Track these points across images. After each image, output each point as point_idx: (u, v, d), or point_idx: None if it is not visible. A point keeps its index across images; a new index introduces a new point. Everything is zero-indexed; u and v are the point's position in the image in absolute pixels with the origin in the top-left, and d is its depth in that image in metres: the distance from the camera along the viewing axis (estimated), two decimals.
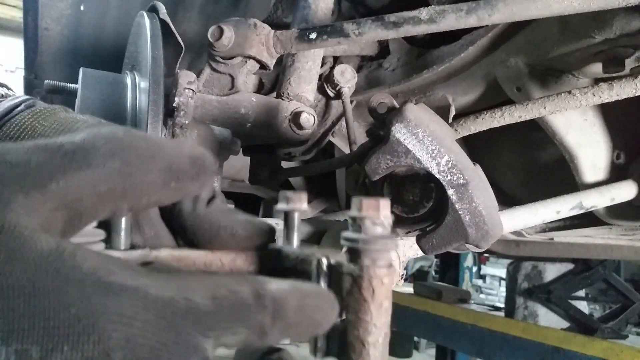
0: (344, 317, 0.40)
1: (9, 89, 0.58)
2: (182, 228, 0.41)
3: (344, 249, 0.39)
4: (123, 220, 0.38)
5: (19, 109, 0.49)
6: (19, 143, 0.31)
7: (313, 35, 0.79)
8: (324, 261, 0.40)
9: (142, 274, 0.29)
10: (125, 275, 0.27)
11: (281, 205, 0.44)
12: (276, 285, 0.31)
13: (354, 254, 0.37)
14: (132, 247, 0.40)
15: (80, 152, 0.30)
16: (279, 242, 0.46)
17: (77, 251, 0.27)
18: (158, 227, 0.42)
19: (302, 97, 0.93)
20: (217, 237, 0.41)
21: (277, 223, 0.45)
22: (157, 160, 0.33)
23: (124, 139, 0.32)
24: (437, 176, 0.65)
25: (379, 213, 0.37)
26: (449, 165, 0.65)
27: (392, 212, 0.40)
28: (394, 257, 0.39)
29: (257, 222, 0.42)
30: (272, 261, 0.44)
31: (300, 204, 0.43)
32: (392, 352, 7.58)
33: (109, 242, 0.39)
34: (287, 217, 0.44)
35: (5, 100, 0.50)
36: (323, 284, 0.40)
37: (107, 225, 0.38)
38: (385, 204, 0.37)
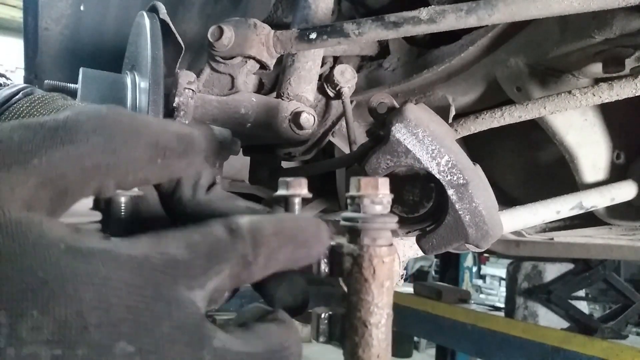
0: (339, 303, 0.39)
1: (7, 78, 0.57)
2: (182, 215, 0.40)
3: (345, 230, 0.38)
4: (122, 206, 0.38)
5: (17, 97, 0.48)
6: (4, 122, 0.30)
7: (313, 35, 0.79)
8: None
9: (111, 239, 0.28)
10: (93, 240, 0.27)
11: (281, 191, 0.43)
12: (250, 218, 0.31)
13: (354, 234, 0.36)
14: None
15: (63, 129, 0.30)
16: None
17: (45, 220, 0.27)
18: (157, 215, 0.41)
19: (302, 97, 0.93)
20: None
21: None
22: (142, 136, 0.32)
23: (108, 115, 0.32)
24: (437, 176, 0.65)
25: (377, 191, 0.36)
26: (449, 165, 0.65)
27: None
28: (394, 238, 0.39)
29: (257, 209, 0.42)
30: None
31: (300, 189, 0.42)
32: (392, 352, 7.59)
33: (107, 230, 0.38)
34: (287, 202, 0.43)
35: (3, 88, 0.50)
36: (324, 266, 0.40)
37: (107, 215, 0.38)
38: (384, 183, 0.37)
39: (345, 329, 0.37)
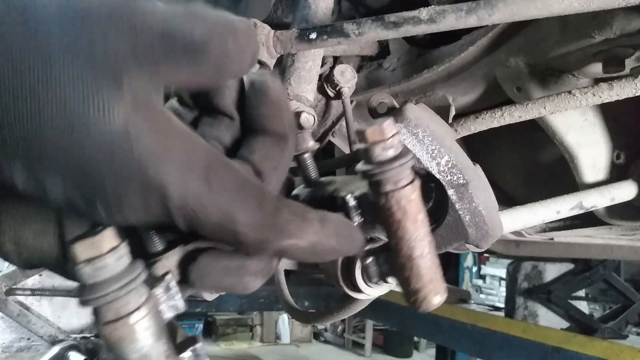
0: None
1: None
2: None
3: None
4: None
5: None
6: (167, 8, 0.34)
7: (313, 35, 0.79)
8: (350, 198, 0.41)
9: None
10: None
11: None
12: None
13: (375, 184, 0.37)
14: (169, 244, 0.41)
15: (195, 52, 0.33)
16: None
17: None
18: None
19: (302, 97, 0.93)
20: None
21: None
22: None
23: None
24: (437, 176, 0.65)
25: (384, 136, 0.36)
26: (449, 165, 0.65)
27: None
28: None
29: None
30: None
31: (305, 144, 0.43)
32: (392, 352, 7.58)
33: (145, 247, 0.39)
34: (298, 161, 0.43)
35: None
36: (356, 217, 0.41)
37: (136, 233, 0.39)
38: (389, 125, 0.36)
39: (396, 267, 0.39)
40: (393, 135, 0.36)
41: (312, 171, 0.44)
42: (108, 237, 0.32)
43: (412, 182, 0.37)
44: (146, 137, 0.31)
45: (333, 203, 0.42)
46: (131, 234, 0.36)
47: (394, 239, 0.38)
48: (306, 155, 0.43)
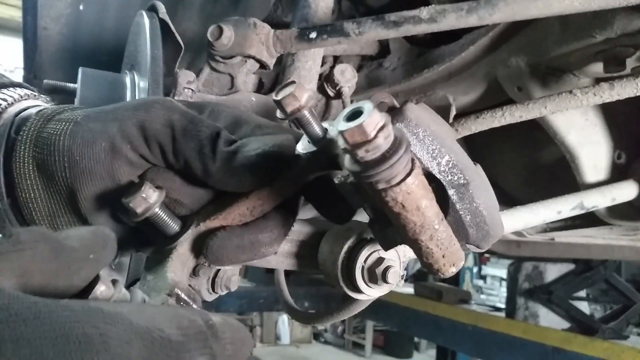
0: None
1: (28, 88, 0.56)
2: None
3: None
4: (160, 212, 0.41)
5: (28, 112, 0.49)
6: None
7: (313, 35, 0.79)
8: (344, 183, 0.40)
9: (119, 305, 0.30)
10: (108, 305, 0.29)
11: (281, 114, 0.40)
12: (215, 318, 0.34)
13: (367, 184, 0.33)
14: (183, 222, 0.43)
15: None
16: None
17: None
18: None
19: None
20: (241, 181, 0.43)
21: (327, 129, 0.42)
22: None
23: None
24: (438, 176, 0.64)
25: (367, 137, 0.31)
26: (450, 165, 0.64)
27: None
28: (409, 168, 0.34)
29: (277, 142, 0.43)
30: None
31: (298, 102, 0.39)
32: (392, 353, 7.58)
33: (163, 231, 0.42)
34: (296, 121, 0.40)
35: (21, 101, 0.51)
36: (356, 199, 0.40)
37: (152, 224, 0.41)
38: (371, 121, 0.30)
39: (406, 243, 0.38)
40: (379, 131, 0.31)
41: (314, 127, 0.40)
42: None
43: (409, 173, 0.32)
44: None
45: (337, 165, 0.41)
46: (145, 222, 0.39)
47: (398, 226, 0.36)
48: (303, 113, 0.39)
